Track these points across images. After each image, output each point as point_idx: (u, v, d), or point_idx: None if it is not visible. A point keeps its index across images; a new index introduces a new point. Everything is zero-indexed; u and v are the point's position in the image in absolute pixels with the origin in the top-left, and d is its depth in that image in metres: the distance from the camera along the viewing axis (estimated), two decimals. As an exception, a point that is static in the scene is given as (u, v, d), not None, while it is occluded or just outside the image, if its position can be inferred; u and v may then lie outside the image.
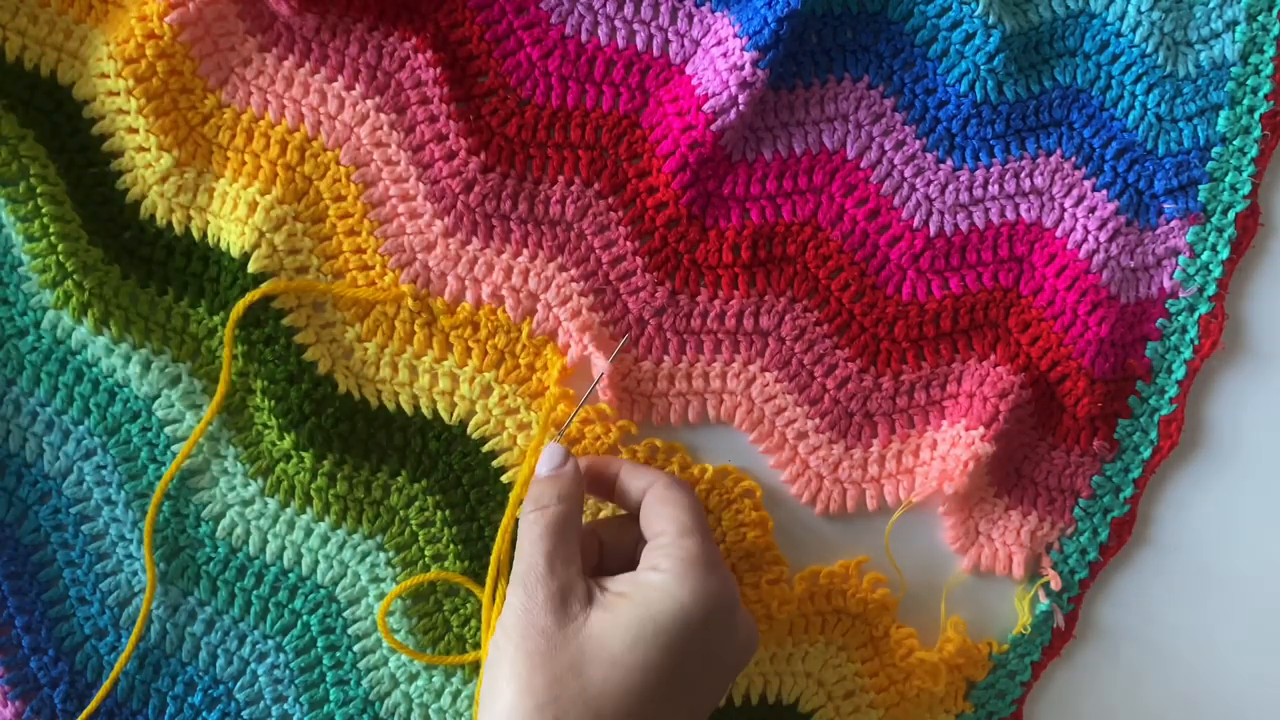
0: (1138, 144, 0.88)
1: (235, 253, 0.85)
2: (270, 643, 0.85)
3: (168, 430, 0.85)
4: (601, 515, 0.85)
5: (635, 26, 0.87)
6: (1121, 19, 0.88)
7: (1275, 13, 0.89)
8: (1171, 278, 0.88)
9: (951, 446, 0.86)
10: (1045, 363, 0.87)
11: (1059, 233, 0.88)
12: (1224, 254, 0.88)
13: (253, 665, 0.85)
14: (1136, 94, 0.88)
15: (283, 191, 0.85)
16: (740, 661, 0.74)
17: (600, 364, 0.85)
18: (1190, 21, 0.89)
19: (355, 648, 0.85)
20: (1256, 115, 0.89)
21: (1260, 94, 0.89)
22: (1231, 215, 0.88)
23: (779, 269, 0.87)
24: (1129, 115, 0.88)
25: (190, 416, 0.85)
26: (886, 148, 0.88)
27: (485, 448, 0.86)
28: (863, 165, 0.88)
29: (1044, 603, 0.87)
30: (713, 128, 0.85)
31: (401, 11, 0.87)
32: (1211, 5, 0.89)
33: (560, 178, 0.87)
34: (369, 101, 0.86)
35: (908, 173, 0.88)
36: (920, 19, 0.88)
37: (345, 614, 0.85)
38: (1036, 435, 0.88)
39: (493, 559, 0.84)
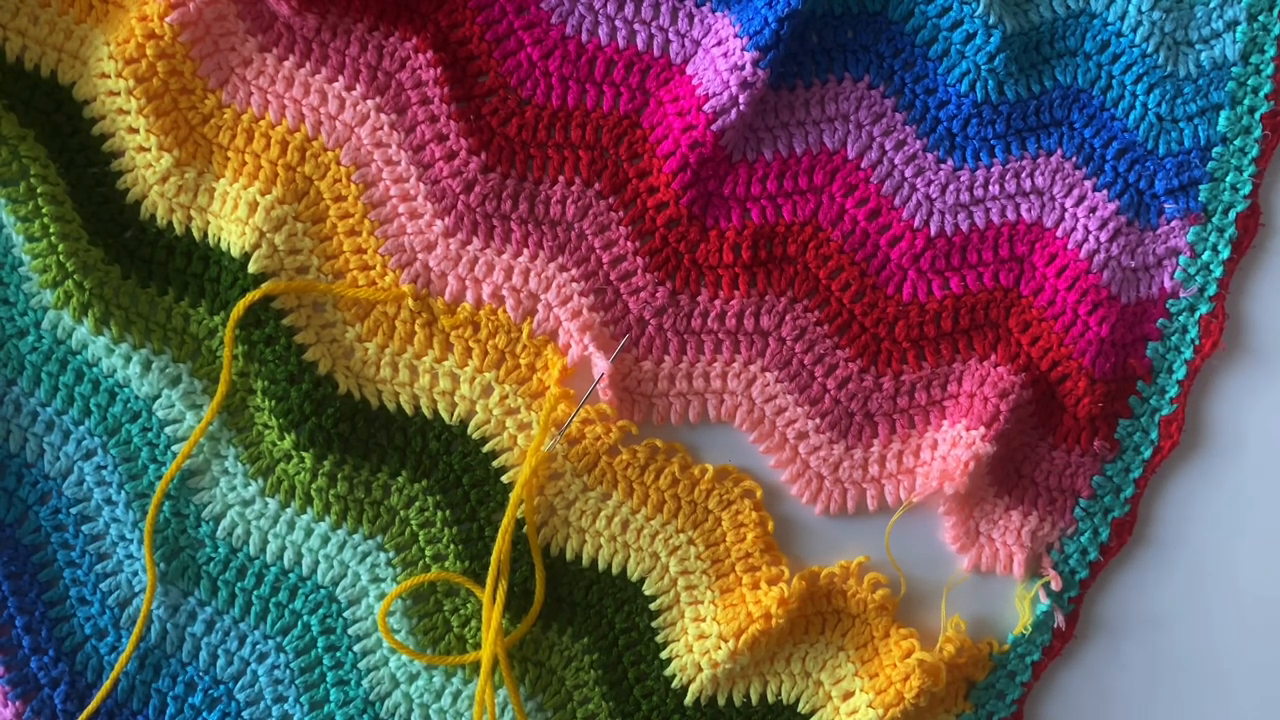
0: (1138, 144, 0.88)
1: (235, 253, 0.85)
2: (270, 643, 0.85)
3: (168, 430, 0.85)
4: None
5: (636, 26, 0.87)
6: (1122, 19, 0.88)
7: (1276, 12, 0.89)
8: (1172, 278, 0.88)
9: (952, 446, 0.86)
10: (1046, 363, 0.87)
11: (1059, 233, 0.88)
12: (1224, 254, 0.88)
13: (253, 665, 0.85)
14: (1137, 94, 0.88)
15: (283, 191, 0.85)
16: None
17: (600, 364, 0.85)
18: (1191, 21, 0.89)
19: (355, 648, 0.85)
20: (1257, 115, 0.89)
21: (1261, 94, 0.89)
22: (1232, 215, 0.88)
23: (779, 269, 0.87)
24: (1130, 115, 0.88)
25: (190, 416, 0.85)
26: (887, 148, 0.88)
27: (485, 448, 0.86)
28: (863, 165, 0.88)
29: (1044, 603, 0.87)
30: (713, 128, 0.85)
31: (402, 12, 0.87)
32: (1212, 5, 0.89)
33: (560, 178, 0.87)
34: (369, 101, 0.86)
35: (908, 173, 0.88)
36: (921, 19, 0.88)
37: (345, 614, 0.85)
38: (1037, 435, 0.88)
39: (493, 559, 0.84)
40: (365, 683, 0.85)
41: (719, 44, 0.86)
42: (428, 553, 0.85)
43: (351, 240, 0.86)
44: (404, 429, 0.86)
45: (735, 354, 0.87)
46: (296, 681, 0.85)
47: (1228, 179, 0.88)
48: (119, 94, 0.84)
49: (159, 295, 0.85)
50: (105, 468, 0.85)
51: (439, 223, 0.86)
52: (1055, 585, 0.87)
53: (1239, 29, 0.88)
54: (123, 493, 0.85)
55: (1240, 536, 0.89)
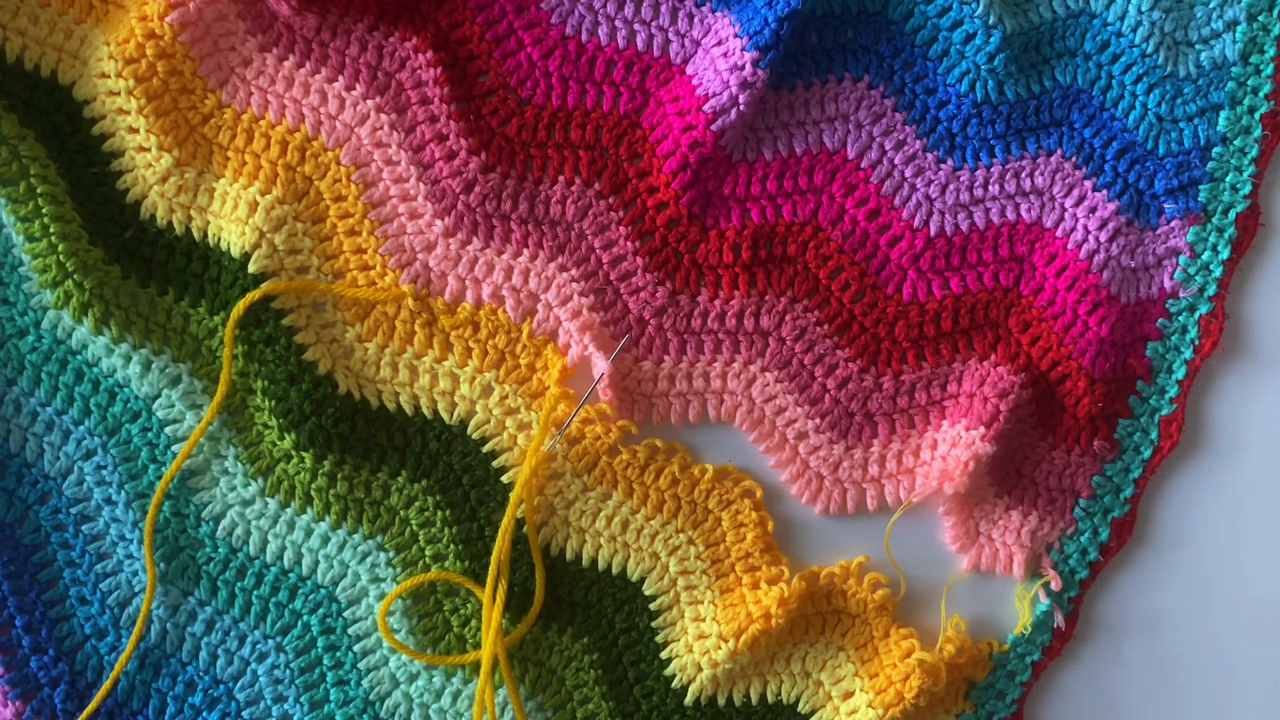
0: (1138, 144, 0.88)
1: (235, 253, 0.85)
2: (270, 643, 0.85)
3: (168, 430, 0.85)
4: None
5: (636, 26, 0.87)
6: (1122, 19, 0.88)
7: (1276, 13, 0.89)
8: (1172, 278, 0.88)
9: (952, 446, 0.86)
10: (1045, 363, 0.87)
11: (1059, 233, 0.88)
12: (1224, 254, 0.88)
13: (253, 665, 0.85)
14: (1137, 94, 0.88)
15: (283, 191, 0.85)
16: None
17: (600, 364, 0.85)
18: (1191, 21, 0.89)
19: (355, 648, 0.85)
20: (1257, 115, 0.89)
21: (1261, 94, 0.89)
22: (1232, 215, 0.88)
23: (779, 269, 0.87)
24: (1129, 115, 0.88)
25: (190, 416, 0.85)
26: (887, 148, 0.88)
27: (485, 448, 0.86)
28: (863, 165, 0.88)
29: (1044, 603, 0.87)
30: (713, 128, 0.85)
31: (402, 12, 0.87)
32: (1212, 5, 0.89)
33: (560, 178, 0.87)
34: (369, 101, 0.86)
35: (908, 173, 0.88)
36: (920, 19, 0.88)
37: (345, 614, 0.85)
38: (1037, 435, 0.88)
39: (493, 559, 0.84)
40: (365, 682, 0.85)
41: (719, 44, 0.86)
42: (428, 552, 0.85)
43: (351, 240, 0.86)
44: (404, 429, 0.86)
45: (735, 354, 0.87)
46: (296, 681, 0.85)
47: (1227, 179, 0.88)
48: (119, 94, 0.84)
49: (159, 295, 0.85)
50: (105, 467, 0.85)
51: (439, 223, 0.86)
52: (1055, 585, 0.87)
53: (1239, 29, 0.88)
54: (123, 492, 0.85)
55: (1240, 536, 0.89)
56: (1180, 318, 0.88)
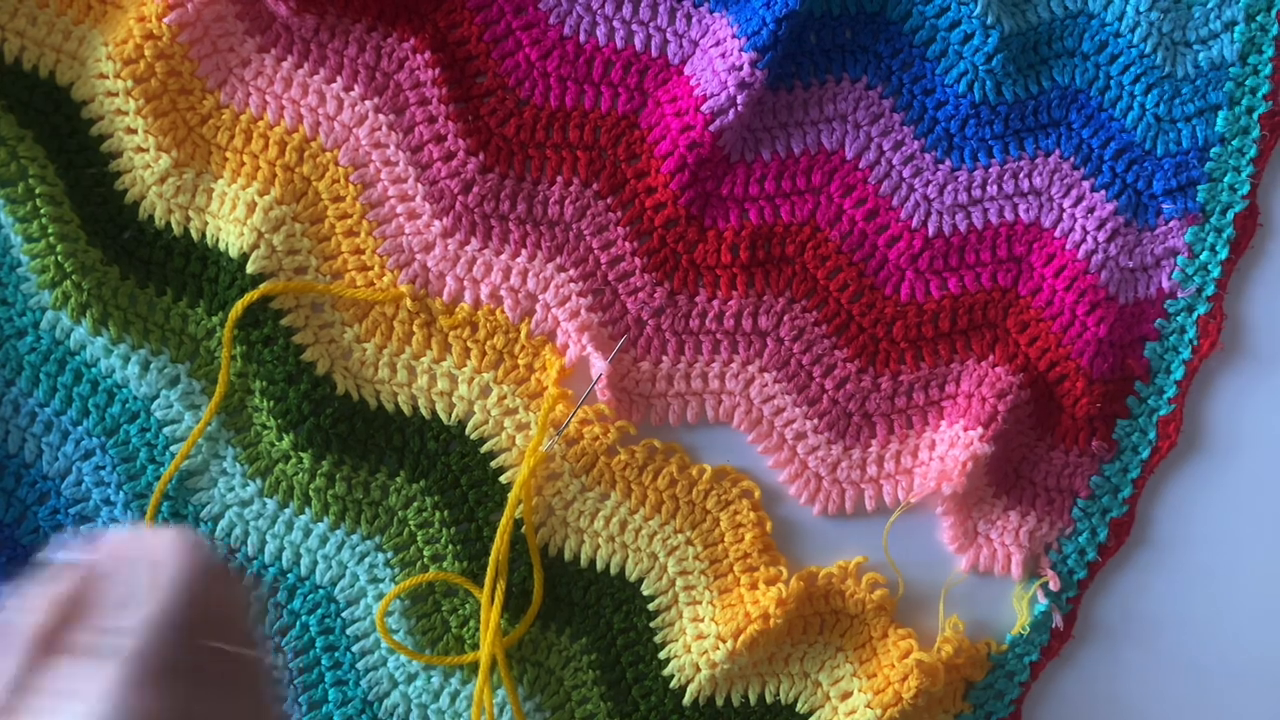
0: (1136, 144, 0.88)
1: (234, 253, 0.85)
2: (269, 643, 0.85)
3: (166, 431, 0.85)
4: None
5: (634, 27, 0.87)
6: (1120, 19, 0.88)
7: (1274, 13, 0.89)
8: (1170, 278, 0.88)
9: (950, 447, 0.86)
10: (1044, 363, 0.87)
11: (1058, 233, 0.88)
12: (1223, 254, 0.88)
13: (251, 665, 0.85)
14: (1135, 94, 0.88)
15: (281, 192, 0.85)
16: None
17: (599, 364, 0.85)
18: (1189, 22, 0.89)
19: (354, 648, 0.85)
20: (1255, 115, 0.89)
21: (1259, 94, 0.89)
22: (1230, 215, 0.88)
23: (777, 269, 0.87)
24: (1128, 116, 0.88)
25: (189, 417, 0.85)
26: (885, 148, 0.88)
27: (484, 448, 0.86)
28: (861, 166, 0.88)
29: (1042, 603, 0.87)
30: (711, 128, 0.85)
31: (400, 12, 0.87)
32: (1210, 6, 0.89)
33: (559, 178, 0.87)
34: (368, 102, 0.86)
35: (906, 173, 0.88)
36: (919, 19, 0.88)
37: (344, 614, 0.85)
38: (1035, 435, 0.88)
39: (491, 559, 0.84)
40: (364, 683, 0.85)
41: (717, 44, 0.86)
42: (426, 553, 0.85)
43: (350, 240, 0.86)
44: (402, 429, 0.86)
45: (733, 354, 0.87)
46: (295, 681, 0.85)
47: (1226, 179, 0.88)
48: (117, 94, 0.85)
49: (157, 295, 0.85)
50: (104, 468, 0.85)
51: (437, 223, 0.86)
52: (1053, 585, 0.87)
53: (1237, 29, 0.88)
54: (121, 493, 0.85)
55: (1238, 537, 0.89)
56: (1178, 318, 0.88)
